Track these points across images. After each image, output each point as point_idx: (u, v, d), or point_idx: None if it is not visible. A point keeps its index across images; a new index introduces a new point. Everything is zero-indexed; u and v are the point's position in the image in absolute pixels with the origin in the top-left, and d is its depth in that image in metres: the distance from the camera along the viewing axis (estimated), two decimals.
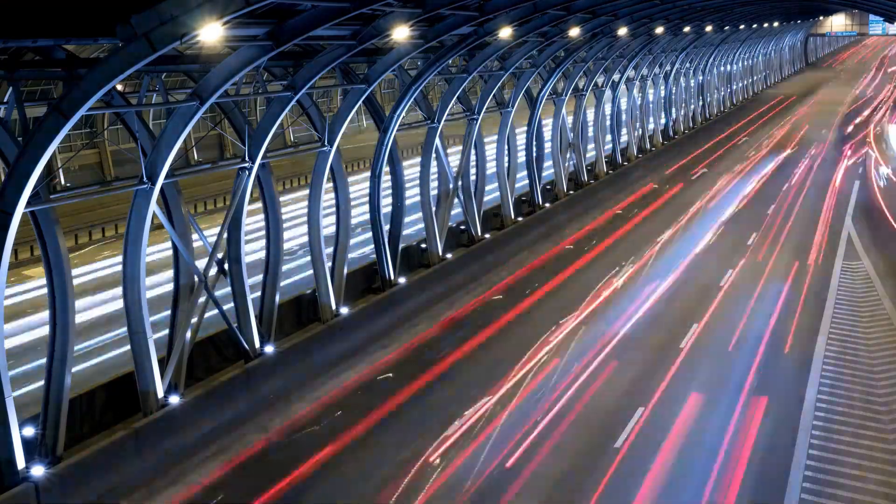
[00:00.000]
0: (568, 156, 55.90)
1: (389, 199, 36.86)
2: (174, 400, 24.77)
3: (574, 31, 42.25)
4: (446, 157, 40.48)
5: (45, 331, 23.86)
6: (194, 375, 27.00)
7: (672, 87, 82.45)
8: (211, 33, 20.09)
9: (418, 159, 40.03)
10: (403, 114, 35.60)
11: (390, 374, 29.85)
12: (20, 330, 34.43)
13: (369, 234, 35.87)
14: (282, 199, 30.75)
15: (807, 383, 28.35)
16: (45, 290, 23.23)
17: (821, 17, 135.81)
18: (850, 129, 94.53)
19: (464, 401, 27.43)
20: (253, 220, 36.31)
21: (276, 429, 26.06)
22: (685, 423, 26.01)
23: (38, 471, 21.00)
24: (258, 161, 27.76)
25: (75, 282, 22.95)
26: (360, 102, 32.81)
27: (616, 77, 64.03)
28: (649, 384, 28.49)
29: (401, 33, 28.06)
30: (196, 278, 26.25)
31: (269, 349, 28.62)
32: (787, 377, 29.09)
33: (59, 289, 21.99)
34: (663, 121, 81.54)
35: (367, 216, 35.96)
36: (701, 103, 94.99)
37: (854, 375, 28.90)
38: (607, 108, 65.38)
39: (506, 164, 47.13)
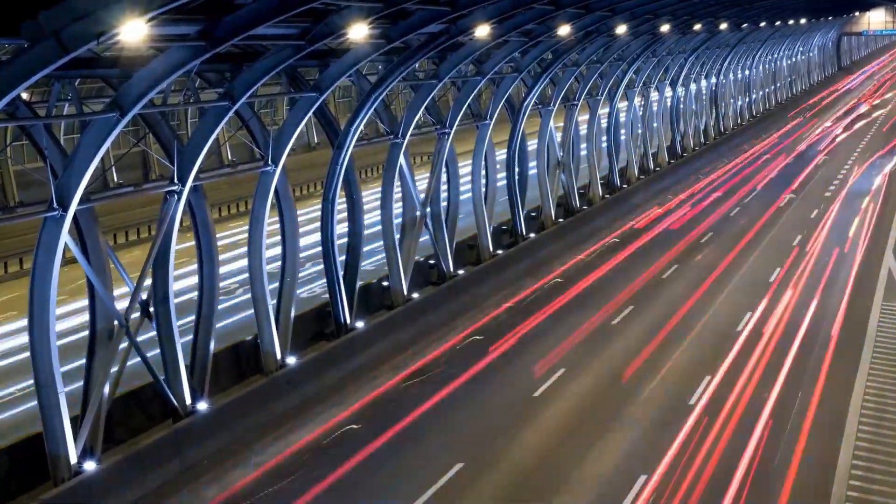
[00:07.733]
0: (557, 177, 56.34)
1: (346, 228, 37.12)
2: (90, 466, 24.79)
3: (564, 30, 42.73)
4: (413, 179, 40.75)
5: None
6: (114, 437, 27.03)
7: (680, 95, 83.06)
8: (133, 32, 20.31)
9: (379, 181, 40.28)
10: (362, 127, 35.91)
11: (344, 437, 29.92)
12: None
13: (321, 268, 36.02)
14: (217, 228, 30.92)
15: None
16: None
17: (856, 13, 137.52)
18: None
19: (431, 468, 27.58)
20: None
21: (210, 501, 26.09)
22: None
23: None
24: (189, 183, 27.93)
25: None
26: (310, 113, 33.07)
27: (613, 84, 64.66)
28: None
29: (359, 32, 28.41)
30: (116, 322, 26.33)
31: (202, 406, 28.67)
32: None
33: None
34: (670, 136, 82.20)
35: (319, 248, 36.18)
36: (714, 115, 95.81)
37: None
38: (603, 121, 65.96)
39: (483, 188, 47.44)
